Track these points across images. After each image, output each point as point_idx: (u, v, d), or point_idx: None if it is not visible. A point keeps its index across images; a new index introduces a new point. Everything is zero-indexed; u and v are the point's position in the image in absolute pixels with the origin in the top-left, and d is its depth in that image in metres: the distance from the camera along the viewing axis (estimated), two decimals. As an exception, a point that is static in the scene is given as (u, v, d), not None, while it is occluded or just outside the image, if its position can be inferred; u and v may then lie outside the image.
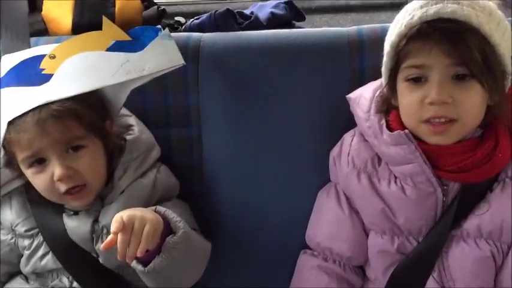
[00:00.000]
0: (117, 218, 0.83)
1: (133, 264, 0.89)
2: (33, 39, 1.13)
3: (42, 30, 1.33)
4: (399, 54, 0.90)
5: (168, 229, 0.89)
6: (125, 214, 0.84)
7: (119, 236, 0.82)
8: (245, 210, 1.12)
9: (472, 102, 0.87)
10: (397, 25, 0.91)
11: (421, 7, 0.87)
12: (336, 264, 1.01)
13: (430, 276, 0.94)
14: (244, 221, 1.12)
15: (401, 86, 0.92)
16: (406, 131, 0.91)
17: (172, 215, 0.91)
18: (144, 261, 0.88)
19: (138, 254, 0.84)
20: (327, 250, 1.02)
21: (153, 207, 0.92)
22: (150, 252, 0.88)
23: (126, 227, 0.83)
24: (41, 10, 1.32)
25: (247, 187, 1.11)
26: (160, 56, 1.00)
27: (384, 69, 0.95)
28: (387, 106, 0.97)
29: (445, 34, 0.85)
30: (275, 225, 1.11)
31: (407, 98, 0.91)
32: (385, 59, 0.94)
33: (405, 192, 0.93)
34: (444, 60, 0.86)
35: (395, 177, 0.95)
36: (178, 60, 1.01)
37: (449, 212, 0.92)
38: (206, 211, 1.12)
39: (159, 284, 0.95)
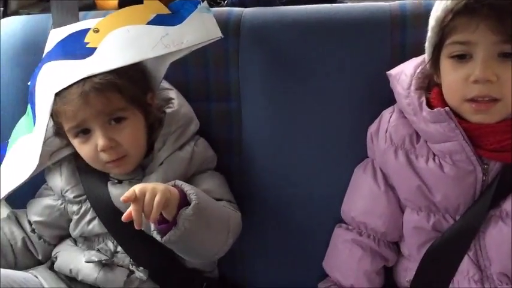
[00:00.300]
0: (129, 190, 0.87)
1: (154, 234, 0.93)
2: (81, 14, 1.15)
3: (90, 5, 1.36)
4: (444, 30, 0.87)
5: (185, 201, 0.92)
6: (137, 187, 0.87)
7: (132, 207, 0.85)
8: (282, 184, 1.12)
9: None
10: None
11: None
12: (370, 239, 1.01)
13: (466, 255, 0.93)
14: (281, 195, 1.12)
15: (445, 63, 0.89)
16: (447, 108, 0.89)
17: (188, 187, 0.93)
18: (165, 232, 0.91)
19: (151, 221, 0.88)
20: (361, 225, 1.02)
21: (173, 182, 0.94)
22: (169, 224, 0.91)
23: (138, 198, 0.86)
24: (90, -15, 1.36)
25: (285, 161, 1.11)
26: (199, 29, 1.00)
27: (427, 45, 0.93)
28: (428, 83, 0.95)
29: (493, 10, 0.81)
30: (312, 199, 1.11)
31: (451, 76, 0.88)
32: (429, 34, 0.91)
33: (443, 170, 0.92)
34: (490, 37, 0.83)
35: (434, 155, 0.94)
36: (216, 33, 1.01)
37: (488, 191, 0.90)
38: (244, 184, 1.13)
39: (183, 252, 0.98)
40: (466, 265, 0.93)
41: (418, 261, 0.97)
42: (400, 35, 1.06)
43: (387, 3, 1.10)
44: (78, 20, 1.10)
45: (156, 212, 0.86)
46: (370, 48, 1.07)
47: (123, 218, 0.87)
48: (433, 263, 0.95)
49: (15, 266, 1.08)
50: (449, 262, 0.94)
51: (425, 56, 0.94)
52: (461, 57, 0.86)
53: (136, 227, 0.86)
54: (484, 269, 0.93)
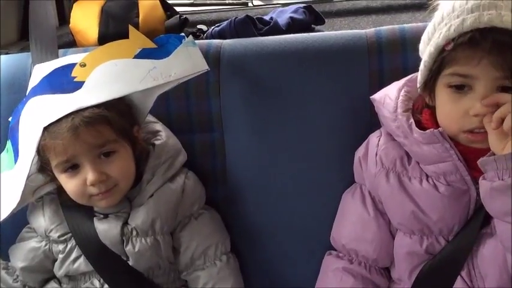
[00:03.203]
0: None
1: None
2: (61, 51, 1.12)
3: (70, 42, 1.33)
4: (444, 59, 0.82)
5: None
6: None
7: None
8: (269, 213, 1.09)
9: None
10: (442, 26, 0.82)
11: (472, 11, 0.79)
12: (362, 266, 0.97)
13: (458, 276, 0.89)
14: (268, 223, 1.09)
15: (442, 92, 0.85)
16: (440, 129, 0.86)
17: None
18: None
19: None
20: (352, 252, 0.98)
21: None
22: None
23: None
24: (69, 23, 1.34)
25: (271, 190, 1.08)
26: (186, 62, 0.99)
27: (422, 69, 0.87)
28: (413, 105, 0.92)
29: (497, 45, 0.77)
30: (299, 226, 1.07)
31: (448, 107, 0.84)
32: (425, 59, 0.85)
33: (438, 190, 0.88)
34: (492, 73, 0.79)
35: (427, 176, 0.90)
36: (202, 66, 0.99)
37: (481, 210, 0.86)
38: (231, 214, 1.10)
39: None
40: (459, 286, 0.89)
41: (409, 285, 0.93)
42: (377, 60, 1.04)
43: (363, 30, 1.08)
44: (57, 58, 1.06)
45: None
46: (348, 75, 1.05)
47: None
48: (426, 286, 0.91)
49: None
50: (443, 284, 0.90)
51: (418, 78, 0.90)
52: (460, 88, 0.83)
53: None
54: None
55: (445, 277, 0.90)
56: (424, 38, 0.88)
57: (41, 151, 0.93)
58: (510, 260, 0.85)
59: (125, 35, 1.01)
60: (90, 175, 0.92)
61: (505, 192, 0.79)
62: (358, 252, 0.98)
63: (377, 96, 0.97)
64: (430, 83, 0.87)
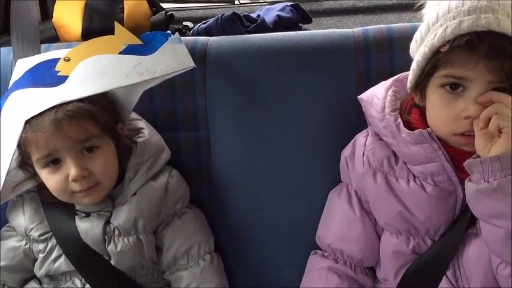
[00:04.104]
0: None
1: None
2: (43, 46, 1.09)
3: (52, 37, 1.31)
4: (439, 60, 0.81)
5: None
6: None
7: None
8: (255, 212, 1.07)
9: None
10: (437, 27, 0.81)
11: (469, 13, 0.78)
12: (347, 266, 0.96)
13: (444, 276, 0.89)
14: (253, 223, 1.08)
15: (434, 93, 0.84)
16: (429, 129, 0.85)
17: None
18: None
19: None
20: (337, 251, 0.97)
21: None
22: None
23: None
24: (52, 17, 1.32)
25: (256, 188, 1.07)
26: (172, 58, 0.98)
27: (415, 68, 0.86)
28: (401, 105, 0.92)
29: (494, 49, 0.76)
30: (285, 226, 1.06)
31: (441, 109, 0.83)
32: (418, 59, 0.84)
33: (426, 190, 0.88)
34: (487, 76, 0.78)
35: (414, 176, 0.90)
36: (188, 63, 0.98)
37: (467, 210, 0.86)
38: (216, 213, 1.08)
39: None
40: (444, 286, 0.89)
41: (394, 285, 0.92)
42: (364, 60, 1.04)
43: (350, 30, 1.07)
44: (39, 53, 1.04)
45: None
46: (335, 74, 1.05)
47: None
48: (411, 286, 0.91)
49: None
50: (428, 284, 0.90)
51: (409, 78, 0.88)
52: (455, 88, 0.82)
53: None
54: None
55: (430, 277, 0.90)
56: (416, 37, 0.86)
57: (22, 145, 0.91)
58: (495, 261, 0.85)
59: (109, 31, 1.00)
60: (72, 170, 0.90)
61: (490, 195, 0.79)
62: (344, 251, 0.97)
63: (364, 96, 0.96)
64: (421, 84, 0.86)
